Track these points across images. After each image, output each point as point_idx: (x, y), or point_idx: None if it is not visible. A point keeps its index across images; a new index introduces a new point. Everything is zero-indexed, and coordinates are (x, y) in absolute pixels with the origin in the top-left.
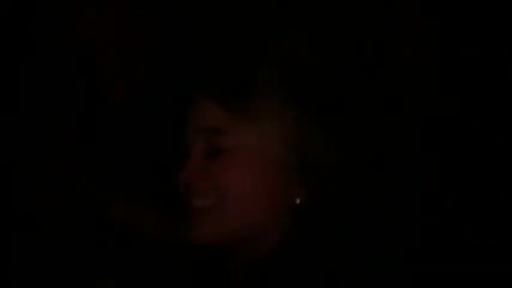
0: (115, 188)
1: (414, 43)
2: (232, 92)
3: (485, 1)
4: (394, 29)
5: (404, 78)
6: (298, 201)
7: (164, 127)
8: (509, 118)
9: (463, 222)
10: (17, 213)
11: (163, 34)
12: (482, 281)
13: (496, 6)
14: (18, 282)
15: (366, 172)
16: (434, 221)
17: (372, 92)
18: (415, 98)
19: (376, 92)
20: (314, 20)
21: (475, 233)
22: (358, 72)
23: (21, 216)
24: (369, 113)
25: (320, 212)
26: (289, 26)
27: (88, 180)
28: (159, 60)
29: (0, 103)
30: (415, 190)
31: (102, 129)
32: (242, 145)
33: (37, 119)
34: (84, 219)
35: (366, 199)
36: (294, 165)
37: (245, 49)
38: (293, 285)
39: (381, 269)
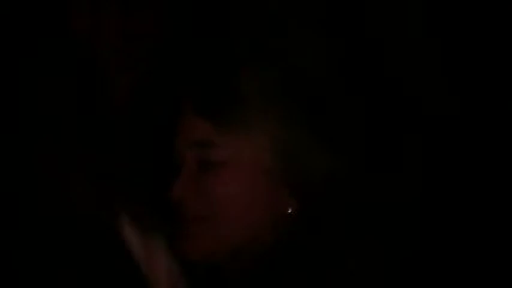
0: (112, 191)
1: (414, 44)
2: (220, 105)
3: (486, 2)
4: (393, 30)
5: (403, 80)
6: (290, 210)
7: (161, 134)
8: (510, 118)
9: (465, 230)
10: (14, 214)
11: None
12: (482, 281)
13: (497, 6)
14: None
15: (361, 181)
16: (434, 229)
17: (369, 102)
18: (414, 101)
19: (373, 101)
20: (304, 28)
21: (477, 236)
22: (353, 81)
23: (18, 217)
24: (364, 123)
25: (312, 221)
26: (277, 36)
27: (85, 183)
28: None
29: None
30: (413, 199)
31: (101, 131)
32: (233, 158)
33: (36, 119)
34: (80, 221)
35: (360, 208)
36: (285, 175)
37: (231, 62)
38: None
39: (376, 277)
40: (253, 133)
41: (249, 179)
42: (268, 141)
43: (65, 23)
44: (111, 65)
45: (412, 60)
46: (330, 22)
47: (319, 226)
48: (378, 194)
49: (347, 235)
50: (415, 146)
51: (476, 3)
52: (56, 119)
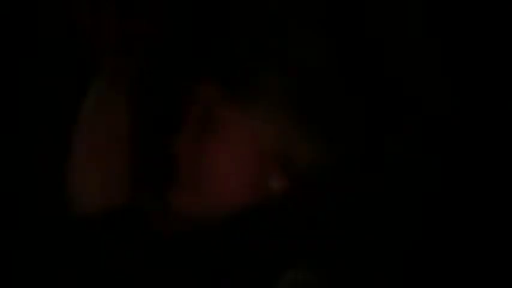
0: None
1: (414, 44)
2: (235, 75)
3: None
4: (393, 30)
5: (403, 80)
6: (277, 190)
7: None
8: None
9: (465, 230)
10: (13, 214)
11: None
12: (482, 281)
13: (497, 6)
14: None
15: (358, 178)
16: (433, 229)
17: (368, 101)
18: (414, 100)
19: (372, 100)
20: (304, 28)
21: (477, 236)
22: (353, 80)
23: (18, 217)
24: (363, 121)
25: (295, 208)
26: (277, 36)
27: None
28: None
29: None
30: (412, 198)
31: None
32: (233, 129)
33: (36, 119)
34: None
35: (356, 204)
36: (280, 157)
37: (257, 36)
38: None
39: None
40: (259, 111)
41: (241, 153)
42: (271, 123)
43: (65, 23)
44: (111, 65)
45: (412, 60)
46: (330, 22)
47: (301, 214)
48: (375, 192)
49: (333, 226)
50: (415, 146)
51: (476, 3)
52: (56, 118)
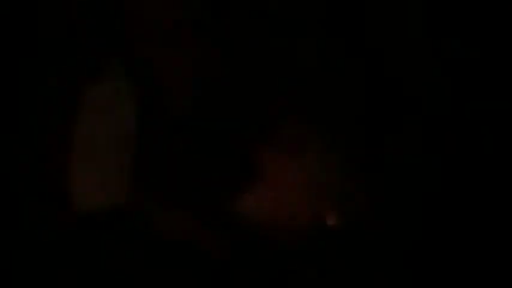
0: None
1: (414, 44)
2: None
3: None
4: (393, 31)
5: (403, 80)
6: (328, 223)
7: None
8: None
9: (466, 230)
10: (14, 214)
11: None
12: (483, 280)
13: (497, 6)
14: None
15: (361, 181)
16: (435, 230)
17: (369, 101)
18: (414, 99)
19: (372, 100)
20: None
21: (476, 234)
22: (353, 80)
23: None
24: (364, 122)
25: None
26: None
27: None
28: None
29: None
30: (414, 199)
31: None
32: (305, 160)
33: (37, 118)
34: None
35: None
36: (337, 197)
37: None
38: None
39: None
40: (323, 150)
41: (307, 182)
42: (326, 160)
43: (65, 23)
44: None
45: (412, 61)
46: (330, 23)
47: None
48: (375, 192)
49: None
50: (415, 146)
51: (476, 4)
52: (56, 117)
